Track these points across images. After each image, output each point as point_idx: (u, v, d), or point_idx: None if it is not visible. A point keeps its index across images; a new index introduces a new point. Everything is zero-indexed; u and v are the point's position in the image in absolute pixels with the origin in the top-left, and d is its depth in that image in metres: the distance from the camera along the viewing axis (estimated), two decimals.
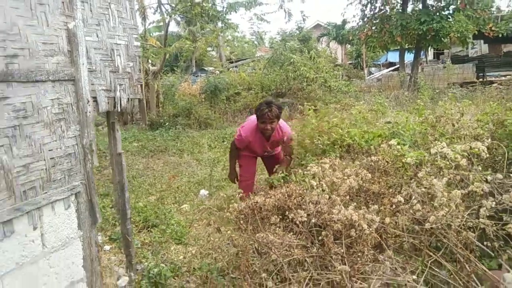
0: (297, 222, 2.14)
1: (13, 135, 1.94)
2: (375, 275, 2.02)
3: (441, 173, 2.43)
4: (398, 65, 20.50)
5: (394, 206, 2.29)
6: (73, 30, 2.24)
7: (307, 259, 2.06)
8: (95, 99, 2.45)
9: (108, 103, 2.57)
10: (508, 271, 2.13)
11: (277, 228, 2.16)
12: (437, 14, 14.94)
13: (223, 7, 10.26)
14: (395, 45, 16.89)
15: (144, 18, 14.36)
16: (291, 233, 2.17)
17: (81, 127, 2.32)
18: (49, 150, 2.13)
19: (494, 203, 2.22)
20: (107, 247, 3.63)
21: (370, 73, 27.73)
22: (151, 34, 15.64)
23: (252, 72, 16.02)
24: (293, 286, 1.87)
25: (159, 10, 12.03)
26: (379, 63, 30.52)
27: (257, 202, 2.36)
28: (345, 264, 1.98)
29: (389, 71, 23.79)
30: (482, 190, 2.26)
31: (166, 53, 12.46)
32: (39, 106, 2.07)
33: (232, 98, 12.99)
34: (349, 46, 30.43)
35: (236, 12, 11.07)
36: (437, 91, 13.07)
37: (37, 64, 2.06)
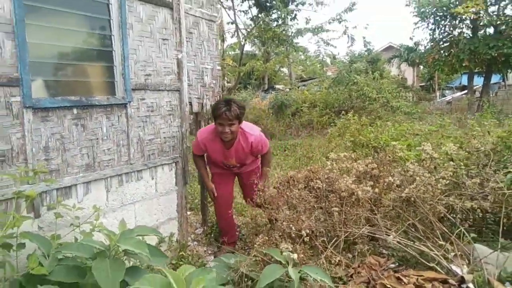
0: (315, 188, 3.23)
1: (145, 121, 3.28)
2: (363, 228, 3.05)
3: (434, 167, 3.38)
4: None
5: (386, 184, 3.28)
6: (180, 59, 3.58)
7: (317, 210, 3.14)
8: (190, 103, 3.77)
9: (198, 106, 3.88)
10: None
11: (302, 191, 3.26)
12: (508, 39, 14.96)
13: (292, 32, 11.52)
14: (464, 69, 17.00)
15: (223, 40, 16.16)
16: (311, 195, 3.26)
17: (181, 120, 3.64)
18: (163, 132, 3.46)
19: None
20: (188, 212, 4.94)
21: (443, 95, 27.36)
22: (227, 53, 17.38)
23: (318, 90, 17.10)
24: (303, 216, 2.95)
25: (236, 34, 13.64)
26: (452, 85, 29.95)
27: (291, 176, 3.49)
28: (343, 214, 3.03)
29: (461, 94, 23.48)
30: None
31: (240, 72, 14.01)
32: (160, 105, 3.42)
33: (297, 114, 14.13)
34: (422, 67, 30.28)
35: (302, 36, 12.29)
36: (502, 115, 13.15)
37: (160, 80, 3.41)
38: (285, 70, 31.45)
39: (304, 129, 13.53)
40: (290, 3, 11.13)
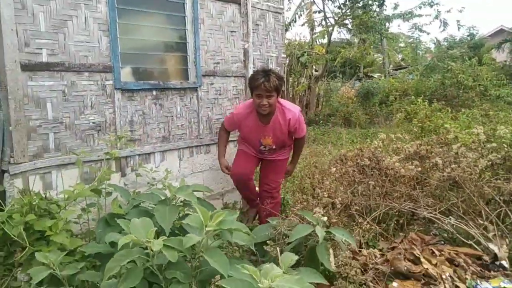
0: (362, 165, 3.50)
1: (214, 103, 3.84)
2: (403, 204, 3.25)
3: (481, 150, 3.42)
4: None
5: (432, 164, 3.41)
6: (247, 49, 4.05)
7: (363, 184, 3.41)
8: None
9: None
10: None
11: (348, 167, 3.55)
12: None
13: (379, 19, 11.32)
14: None
15: (312, 29, 16.35)
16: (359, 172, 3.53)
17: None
18: (229, 113, 3.98)
19: None
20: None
21: None
22: (316, 42, 17.50)
23: (412, 78, 16.42)
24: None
25: (323, 23, 13.76)
26: None
27: (344, 154, 3.79)
28: (384, 189, 3.27)
29: None
30: None
31: (327, 60, 14.11)
32: (227, 89, 3.94)
33: (386, 103, 13.84)
34: None
35: (390, 23, 11.99)
36: None
37: (227, 67, 3.92)
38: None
39: (392, 117, 13.24)
40: None
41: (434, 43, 23.90)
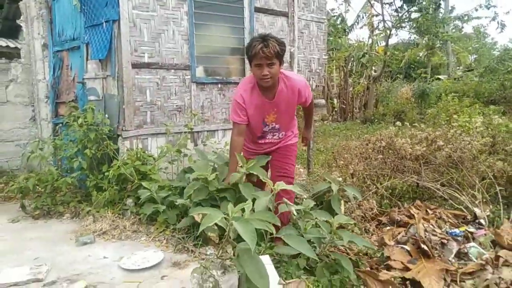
0: (380, 146, 4.36)
1: None
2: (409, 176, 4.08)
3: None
4: None
5: (437, 146, 4.19)
6: (292, 52, 5.07)
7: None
8: None
9: None
10: None
11: (367, 148, 4.42)
12: None
13: (435, 22, 11.68)
14: None
15: (372, 31, 16.86)
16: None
17: None
18: None
19: None
20: (298, 166, 6.42)
21: None
22: (378, 43, 17.96)
23: (473, 80, 16.29)
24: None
25: (382, 25, 14.30)
26: None
27: (368, 138, 4.67)
28: (395, 164, 4.12)
29: None
30: None
31: (385, 61, 14.60)
32: None
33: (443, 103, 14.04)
34: None
35: (444, 26, 12.24)
36: None
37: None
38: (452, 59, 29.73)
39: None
40: None
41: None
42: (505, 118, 4.34)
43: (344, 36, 18.50)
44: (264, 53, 2.56)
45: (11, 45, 5.89)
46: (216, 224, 2.10)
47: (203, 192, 2.89)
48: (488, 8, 11.64)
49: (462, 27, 16.13)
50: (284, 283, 2.26)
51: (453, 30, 17.31)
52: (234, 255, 2.32)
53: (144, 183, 3.21)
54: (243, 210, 2.19)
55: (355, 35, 40.12)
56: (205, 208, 2.29)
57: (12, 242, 3.12)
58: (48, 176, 3.69)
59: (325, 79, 5.54)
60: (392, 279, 2.62)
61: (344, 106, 16.06)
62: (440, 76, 25.19)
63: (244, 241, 2.33)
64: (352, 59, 16.53)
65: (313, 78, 5.39)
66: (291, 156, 3.18)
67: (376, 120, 13.54)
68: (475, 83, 14.43)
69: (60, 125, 4.57)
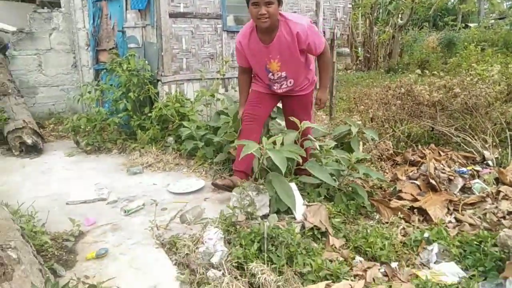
0: (400, 93, 4.62)
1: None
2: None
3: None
4: None
5: (454, 93, 4.42)
6: (318, 1, 5.22)
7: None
8: (324, 32, 5.43)
9: (330, 34, 5.52)
10: None
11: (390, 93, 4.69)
12: None
13: None
14: None
15: None
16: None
17: None
18: None
19: None
20: (320, 112, 6.74)
21: None
22: None
23: (510, 28, 15.75)
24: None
25: None
26: None
27: (388, 85, 4.92)
28: (413, 109, 4.40)
29: None
30: None
31: (413, 8, 14.23)
32: None
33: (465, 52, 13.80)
34: None
35: None
36: None
37: (304, 15, 5.15)
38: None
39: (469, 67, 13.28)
40: None
41: None
42: None
43: None
44: None
45: None
46: None
47: (231, 132, 3.28)
48: None
49: None
50: (307, 204, 2.69)
51: None
52: (264, 181, 2.75)
53: (184, 123, 3.63)
54: (274, 142, 2.58)
55: None
56: (241, 141, 2.69)
57: (73, 171, 3.64)
58: (97, 116, 4.15)
59: (350, 27, 5.70)
60: (402, 207, 3.01)
61: (369, 55, 15.93)
62: (470, 24, 24.29)
63: (273, 170, 2.76)
64: (378, 6, 16.13)
65: (337, 26, 5.56)
66: (304, 108, 3.07)
67: (400, 70, 13.49)
68: (505, 32, 14.02)
69: (102, 71, 4.97)
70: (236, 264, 2.03)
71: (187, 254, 2.08)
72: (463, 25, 21.12)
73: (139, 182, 3.31)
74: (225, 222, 2.39)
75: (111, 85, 4.32)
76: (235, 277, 1.93)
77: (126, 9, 4.44)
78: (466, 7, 21.28)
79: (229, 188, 2.78)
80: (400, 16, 16.09)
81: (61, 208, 2.77)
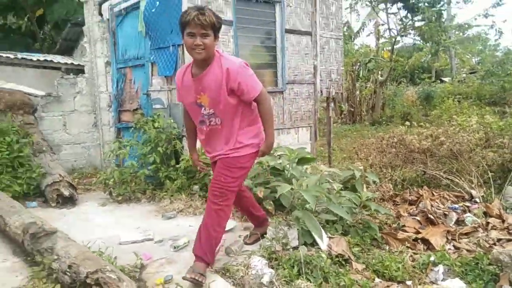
0: (392, 142, 5.26)
1: (292, 101, 5.82)
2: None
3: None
4: None
5: (440, 141, 5.07)
6: (315, 65, 5.99)
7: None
8: (321, 91, 6.15)
9: (326, 93, 6.24)
10: None
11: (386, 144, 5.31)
12: None
13: (437, 31, 12.59)
14: None
15: (378, 38, 17.79)
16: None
17: (314, 101, 6.07)
18: (303, 108, 5.94)
19: None
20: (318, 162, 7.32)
21: None
22: (384, 49, 18.89)
23: (480, 82, 17.12)
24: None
25: (388, 33, 15.22)
26: None
27: (382, 136, 5.57)
28: (405, 155, 5.02)
29: None
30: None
31: (391, 67, 15.50)
32: (301, 92, 5.91)
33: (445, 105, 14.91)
34: None
35: (446, 33, 13.14)
36: None
37: (302, 78, 5.89)
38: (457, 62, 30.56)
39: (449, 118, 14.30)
40: (436, 4, 12.25)
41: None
42: (496, 117, 5.20)
43: (350, 42, 19.47)
44: (200, 20, 2.31)
45: (75, 62, 6.86)
46: (272, 201, 3.01)
47: (261, 176, 3.80)
48: (486, 17, 12.57)
49: (465, 32, 17.07)
50: (330, 236, 3.16)
51: (456, 33, 18.13)
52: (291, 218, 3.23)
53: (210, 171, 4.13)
54: (301, 184, 3.10)
55: (361, 41, 41.14)
56: (275, 183, 3.20)
57: (111, 218, 4.05)
58: (128, 169, 4.62)
59: (343, 86, 6.45)
60: (408, 238, 3.51)
61: (353, 109, 16.94)
62: (444, 79, 26.05)
63: (298, 209, 3.25)
64: (359, 64, 17.44)
65: (332, 86, 6.31)
66: (231, 168, 2.60)
67: (384, 122, 14.41)
68: (477, 86, 15.28)
69: (124, 129, 5.50)
70: (284, 282, 2.47)
71: (242, 276, 2.51)
72: (438, 80, 22.72)
73: (176, 224, 3.74)
74: (266, 252, 2.84)
75: (138, 141, 4.83)
76: None
77: (152, 75, 5.07)
78: (439, 65, 22.99)
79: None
80: (380, 73, 17.40)
81: (116, 248, 3.16)
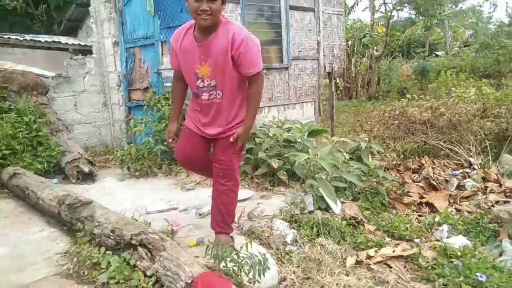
0: (395, 115, 5.49)
1: (297, 77, 6.00)
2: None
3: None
4: None
5: (440, 112, 5.31)
6: (319, 41, 6.15)
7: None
8: (324, 66, 6.33)
9: (328, 68, 6.42)
10: None
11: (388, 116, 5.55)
12: None
13: (431, 4, 12.68)
14: None
15: (373, 13, 17.81)
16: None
17: (318, 76, 6.26)
18: (307, 83, 6.13)
19: None
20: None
21: None
22: (378, 24, 18.94)
23: (474, 55, 17.26)
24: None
25: (383, 7, 15.27)
26: None
27: (384, 109, 5.80)
28: (407, 127, 5.26)
29: None
30: None
31: (387, 41, 15.62)
32: (306, 68, 6.09)
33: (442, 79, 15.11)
34: None
35: (441, 6, 13.23)
36: None
37: (306, 53, 6.06)
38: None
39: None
40: None
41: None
42: (492, 89, 5.44)
43: (345, 17, 19.46)
44: None
45: (82, 43, 6.94)
46: (285, 170, 3.26)
47: (274, 148, 4.03)
48: None
49: (458, 4, 17.22)
50: (343, 201, 3.42)
51: (450, 5, 18.20)
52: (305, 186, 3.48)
53: None
54: (316, 154, 3.34)
55: (355, 16, 41.02)
56: (289, 153, 3.43)
57: (132, 192, 4.27)
58: (144, 146, 4.82)
59: (344, 62, 6.63)
60: (413, 202, 3.78)
61: (349, 85, 17.14)
62: (438, 53, 26.16)
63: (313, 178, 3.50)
64: (353, 39, 17.52)
65: (335, 61, 6.49)
66: (232, 148, 2.50)
67: (380, 97, 14.64)
68: (471, 59, 15.45)
69: (133, 107, 5.67)
70: (307, 240, 2.74)
71: (267, 236, 2.77)
72: (433, 54, 22.86)
73: (195, 195, 3.97)
74: (287, 215, 3.09)
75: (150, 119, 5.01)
76: (309, 247, 2.64)
77: (162, 54, 5.21)
78: (433, 38, 23.07)
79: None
80: (375, 48, 17.50)
81: (145, 217, 3.40)
